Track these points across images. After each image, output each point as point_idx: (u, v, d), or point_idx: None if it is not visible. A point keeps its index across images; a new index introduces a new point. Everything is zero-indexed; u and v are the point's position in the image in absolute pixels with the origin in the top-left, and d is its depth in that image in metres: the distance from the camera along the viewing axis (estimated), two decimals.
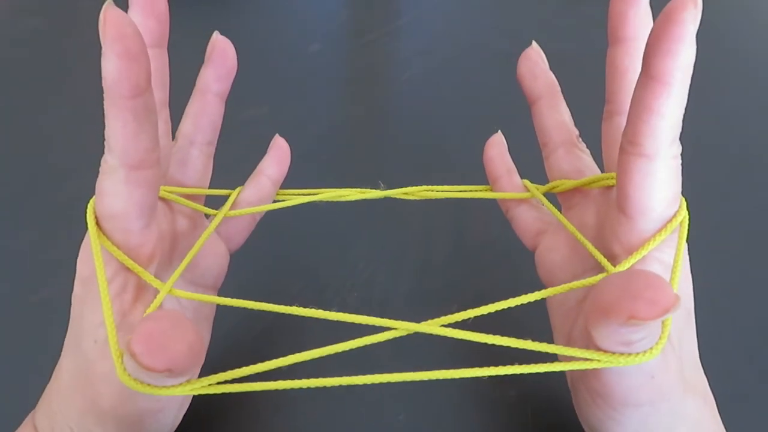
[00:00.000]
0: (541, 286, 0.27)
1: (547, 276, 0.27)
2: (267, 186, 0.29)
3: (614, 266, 0.22)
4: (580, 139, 0.27)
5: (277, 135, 0.30)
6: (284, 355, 0.19)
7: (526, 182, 0.28)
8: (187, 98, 0.27)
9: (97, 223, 0.21)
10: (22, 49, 0.52)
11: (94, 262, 0.21)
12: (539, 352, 0.20)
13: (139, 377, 0.19)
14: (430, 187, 0.29)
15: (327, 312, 0.21)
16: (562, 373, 0.25)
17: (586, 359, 0.19)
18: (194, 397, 0.25)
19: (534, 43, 0.28)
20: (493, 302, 0.21)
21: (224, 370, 0.20)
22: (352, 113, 0.49)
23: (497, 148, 0.29)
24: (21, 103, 0.47)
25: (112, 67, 0.18)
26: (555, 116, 0.27)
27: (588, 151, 0.27)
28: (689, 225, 0.22)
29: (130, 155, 0.20)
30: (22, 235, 0.38)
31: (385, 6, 0.60)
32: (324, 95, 0.50)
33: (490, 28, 0.57)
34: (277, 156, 0.29)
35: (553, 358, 0.21)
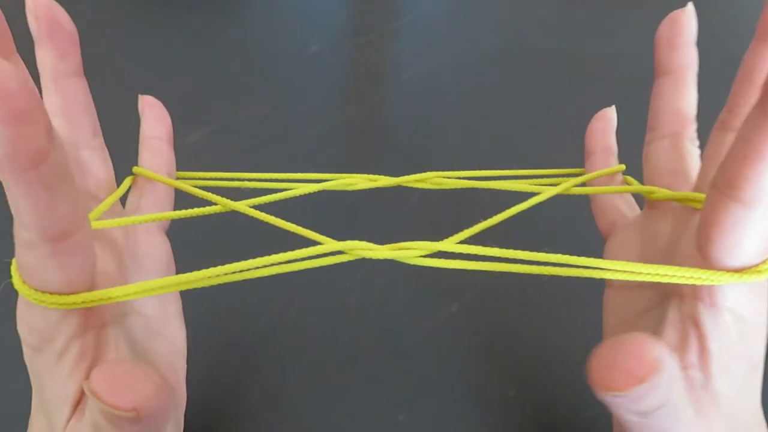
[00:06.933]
0: (540, 286, 0.27)
1: None
2: (163, 148, 0.26)
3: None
4: (696, 136, 0.24)
5: (140, 96, 0.26)
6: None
7: (628, 178, 0.26)
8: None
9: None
10: (22, 49, 0.52)
11: (40, 334, 0.19)
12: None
13: None
14: (443, 173, 0.28)
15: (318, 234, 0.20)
16: (562, 373, 0.25)
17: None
18: (190, 398, 0.25)
19: (690, 4, 0.24)
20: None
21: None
22: (352, 113, 0.49)
23: (603, 123, 0.27)
24: None
25: (0, 138, 0.13)
26: (674, 101, 0.24)
27: (699, 151, 0.24)
28: None
29: (50, 228, 0.16)
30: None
31: (385, 6, 0.60)
32: (324, 95, 0.50)
33: (490, 28, 0.57)
34: (155, 113, 0.26)
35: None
